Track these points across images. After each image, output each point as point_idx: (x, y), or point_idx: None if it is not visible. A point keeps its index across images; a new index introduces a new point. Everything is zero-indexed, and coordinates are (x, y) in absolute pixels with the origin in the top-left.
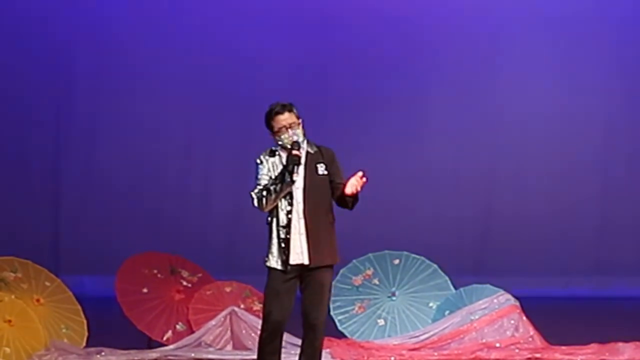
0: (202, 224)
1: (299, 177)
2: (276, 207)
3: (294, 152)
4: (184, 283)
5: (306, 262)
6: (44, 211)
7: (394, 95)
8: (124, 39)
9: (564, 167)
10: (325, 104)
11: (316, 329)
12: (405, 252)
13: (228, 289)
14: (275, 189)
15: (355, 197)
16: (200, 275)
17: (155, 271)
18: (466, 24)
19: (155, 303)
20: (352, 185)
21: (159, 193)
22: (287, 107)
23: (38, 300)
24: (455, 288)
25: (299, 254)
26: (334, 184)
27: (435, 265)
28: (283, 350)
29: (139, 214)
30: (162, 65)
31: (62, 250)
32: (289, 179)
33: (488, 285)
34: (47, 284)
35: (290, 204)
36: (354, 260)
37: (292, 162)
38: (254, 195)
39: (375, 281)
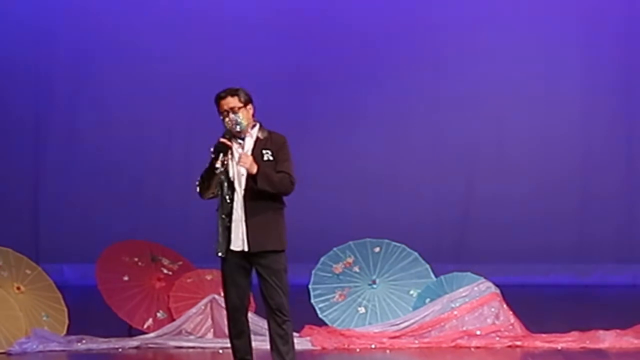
0: (183, 213)
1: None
2: (221, 194)
3: (222, 140)
4: (165, 271)
5: (246, 248)
6: (25, 199)
7: (376, 79)
8: (106, 25)
9: (544, 157)
10: (307, 88)
11: (280, 311)
12: (386, 240)
13: (209, 277)
14: (206, 176)
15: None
16: (180, 263)
17: (136, 259)
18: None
19: (135, 291)
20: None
21: (139, 182)
22: (230, 92)
23: (19, 288)
24: (436, 276)
25: (241, 241)
26: (276, 171)
27: (415, 253)
28: (265, 338)
29: (119, 202)
30: (145, 53)
31: (42, 239)
32: (216, 166)
33: (468, 273)
34: (28, 271)
35: (232, 192)
36: (335, 248)
37: (217, 149)
38: (196, 183)
39: (356, 269)
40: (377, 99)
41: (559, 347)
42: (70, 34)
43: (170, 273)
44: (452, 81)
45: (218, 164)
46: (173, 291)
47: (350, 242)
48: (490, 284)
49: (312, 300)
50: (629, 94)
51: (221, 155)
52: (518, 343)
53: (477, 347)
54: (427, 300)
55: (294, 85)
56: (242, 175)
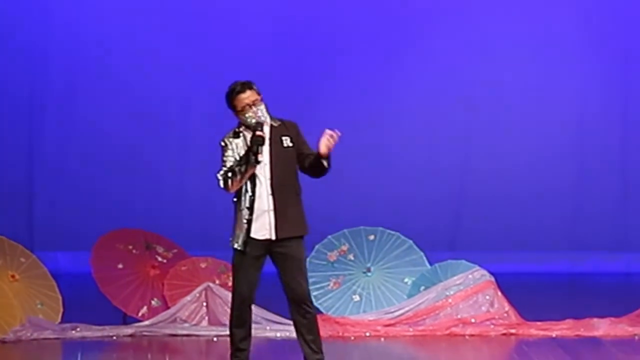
0: (178, 200)
1: (264, 153)
2: (241, 187)
3: (258, 132)
4: (159, 259)
5: (273, 237)
6: (19, 187)
7: (368, 72)
8: (104, 17)
9: (540, 141)
10: (302, 81)
11: (306, 301)
12: (381, 228)
13: (203, 265)
14: (240, 169)
15: (328, 157)
16: (175, 251)
17: (131, 247)
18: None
19: (130, 279)
20: (326, 144)
21: (134, 169)
22: (247, 85)
23: (13, 276)
24: (430, 264)
25: (267, 230)
26: (304, 155)
27: (410, 241)
28: (259, 325)
29: (114, 190)
30: (140, 44)
31: (37, 226)
32: (253, 160)
33: (463, 261)
34: (22, 259)
35: (254, 185)
36: (329, 236)
37: (255, 142)
38: (219, 177)
39: (351, 257)
40: (371, 90)
41: (554, 335)
42: (66, 24)
43: (164, 261)
44: (448, 71)
45: (260, 158)
46: (167, 279)
47: (345, 230)
48: (484, 271)
49: None
50: (625, 84)
51: (259, 148)
52: (512, 331)
53: (472, 335)
54: (422, 288)
55: (290, 77)
56: (265, 164)
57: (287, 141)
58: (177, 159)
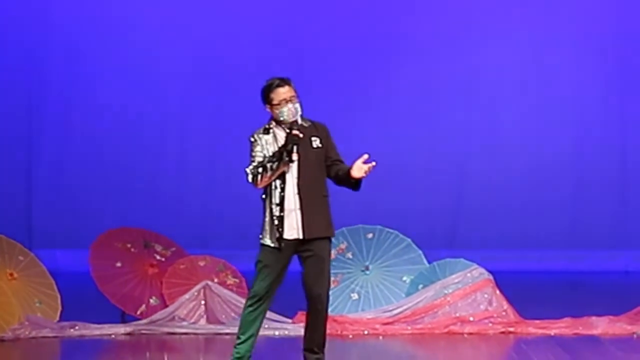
0: (176, 199)
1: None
2: (270, 184)
3: (294, 131)
4: (158, 257)
5: (301, 236)
6: (18, 185)
7: (367, 73)
8: (102, 15)
9: (540, 140)
10: (301, 78)
11: (320, 301)
12: (379, 226)
13: (202, 263)
14: (271, 166)
15: (360, 180)
16: (173, 249)
17: (129, 245)
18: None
19: (128, 277)
20: (361, 169)
21: (133, 168)
22: (286, 81)
23: (11, 275)
24: (429, 262)
25: (295, 229)
26: (330, 160)
27: (408, 240)
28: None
29: (112, 188)
30: (140, 44)
31: (35, 225)
32: (287, 159)
33: (461, 259)
34: (21, 258)
35: (283, 182)
36: None
37: (291, 141)
38: (248, 172)
39: (349, 255)
40: (367, 85)
41: (552, 333)
42: (65, 24)
43: (163, 259)
44: (444, 66)
45: (295, 157)
46: (166, 277)
47: (344, 228)
48: (483, 270)
49: None
50: (623, 83)
51: (294, 147)
52: (511, 329)
53: (470, 333)
54: (420, 286)
55: (289, 74)
56: (293, 162)
57: (316, 142)
58: (176, 158)
